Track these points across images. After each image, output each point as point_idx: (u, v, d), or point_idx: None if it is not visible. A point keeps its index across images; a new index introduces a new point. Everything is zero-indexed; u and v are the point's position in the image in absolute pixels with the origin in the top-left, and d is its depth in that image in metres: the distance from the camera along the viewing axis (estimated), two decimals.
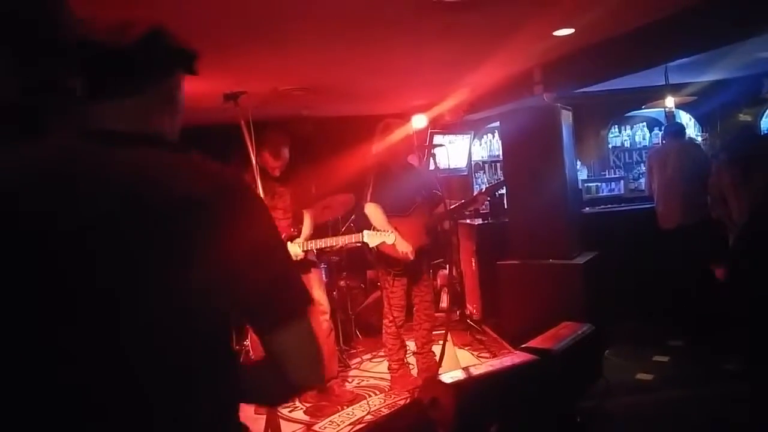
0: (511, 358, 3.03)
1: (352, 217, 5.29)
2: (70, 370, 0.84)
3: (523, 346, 3.14)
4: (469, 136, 7.15)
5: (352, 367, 4.68)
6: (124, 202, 0.87)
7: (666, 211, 4.82)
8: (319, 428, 3.61)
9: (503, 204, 5.44)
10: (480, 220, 5.90)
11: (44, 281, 0.83)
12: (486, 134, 7.55)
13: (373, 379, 4.38)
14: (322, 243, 3.89)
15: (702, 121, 6.89)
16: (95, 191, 0.87)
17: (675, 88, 5.89)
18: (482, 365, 3.16)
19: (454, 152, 6.86)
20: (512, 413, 2.74)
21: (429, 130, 6.23)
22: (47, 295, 0.83)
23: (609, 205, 6.21)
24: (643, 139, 7.34)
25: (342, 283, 5.37)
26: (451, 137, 6.83)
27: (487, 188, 5.42)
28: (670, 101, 5.82)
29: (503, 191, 5.18)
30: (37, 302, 0.83)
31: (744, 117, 6.26)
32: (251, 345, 3.99)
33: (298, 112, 6.29)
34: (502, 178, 5.49)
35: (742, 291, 3.82)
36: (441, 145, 5.37)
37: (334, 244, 4.02)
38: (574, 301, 4.12)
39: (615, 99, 6.76)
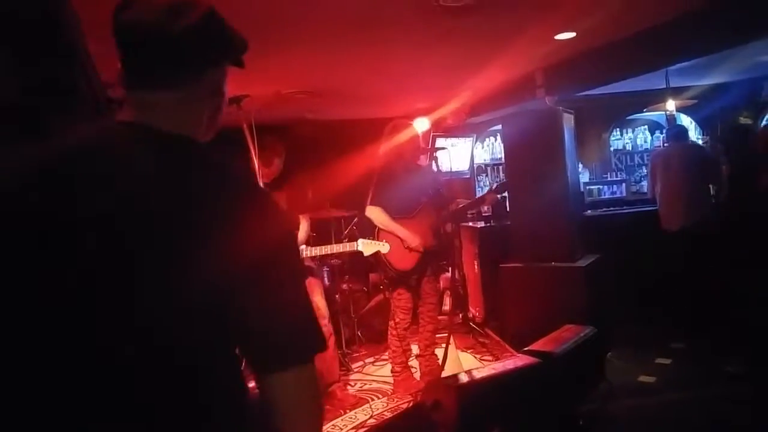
0: (514, 361, 3.03)
1: (355, 220, 5.31)
2: (68, 368, 0.81)
3: (525, 349, 3.14)
4: (471, 139, 7.16)
5: (355, 370, 4.68)
6: (124, 203, 0.83)
7: (669, 212, 4.84)
8: None
9: (505, 207, 5.45)
10: (482, 222, 5.90)
11: (44, 281, 0.81)
12: (488, 137, 7.56)
13: (375, 382, 4.38)
14: (318, 251, 3.91)
15: (702, 124, 6.90)
16: (96, 191, 0.84)
17: (676, 92, 5.91)
18: (485, 368, 3.17)
19: (457, 155, 6.87)
20: (514, 416, 2.74)
21: (431, 133, 6.25)
22: (48, 293, 0.81)
23: (611, 208, 6.22)
24: (645, 142, 7.35)
25: (344, 286, 5.38)
26: (454, 140, 6.84)
27: (496, 187, 5.42)
28: (671, 104, 5.84)
29: (506, 194, 5.18)
30: (37, 301, 0.81)
31: (744, 120, 6.28)
32: None
33: (301, 116, 6.31)
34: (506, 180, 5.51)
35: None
36: (443, 148, 5.38)
37: (331, 251, 4.03)
38: (577, 304, 4.13)
39: (616, 102, 6.78)
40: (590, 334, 3.34)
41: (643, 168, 7.28)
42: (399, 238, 3.88)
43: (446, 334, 4.07)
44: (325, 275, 5.24)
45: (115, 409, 0.82)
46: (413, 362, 4.27)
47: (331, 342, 3.96)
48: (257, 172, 3.30)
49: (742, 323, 3.94)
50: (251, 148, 3.20)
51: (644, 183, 7.07)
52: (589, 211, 5.92)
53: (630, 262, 4.84)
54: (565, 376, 2.96)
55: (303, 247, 3.82)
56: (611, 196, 6.67)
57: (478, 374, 2.93)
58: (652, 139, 7.33)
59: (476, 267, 5.62)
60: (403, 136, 3.98)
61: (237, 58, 1.03)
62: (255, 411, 0.88)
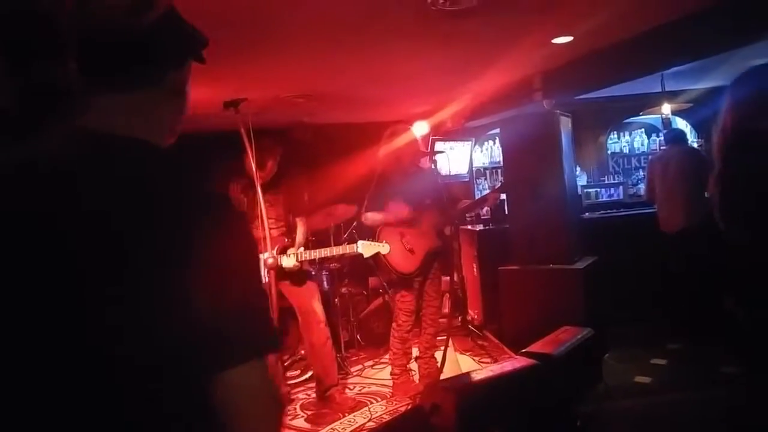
0: (512, 363, 3.05)
1: (354, 223, 5.32)
2: (52, 372, 0.79)
3: (523, 350, 3.16)
4: (470, 142, 7.19)
5: (354, 374, 4.69)
6: (73, 221, 0.80)
7: (668, 215, 4.86)
8: None
9: (504, 210, 5.47)
10: (481, 225, 5.92)
11: (34, 286, 0.79)
12: (487, 141, 7.59)
13: (374, 386, 4.39)
14: (317, 253, 3.90)
15: (698, 128, 6.94)
16: (46, 208, 0.80)
17: (671, 95, 5.94)
18: (483, 370, 3.18)
19: (456, 159, 6.89)
20: (513, 418, 2.76)
21: (430, 137, 6.27)
22: (37, 297, 0.79)
23: (608, 211, 6.24)
24: (642, 145, 7.38)
25: (344, 290, 5.39)
26: (452, 144, 6.86)
27: (499, 186, 5.43)
28: (666, 108, 5.87)
29: (504, 197, 5.21)
30: (30, 305, 0.79)
31: None
32: None
33: (299, 119, 6.33)
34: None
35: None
36: (442, 152, 5.41)
37: (330, 254, 4.02)
38: (574, 306, 4.15)
39: (613, 106, 6.82)
40: (588, 335, 3.36)
41: (640, 171, 7.30)
42: (400, 236, 3.88)
43: (445, 337, 4.09)
44: (324, 279, 5.25)
45: (90, 415, 0.80)
46: (412, 365, 4.27)
47: (329, 345, 3.96)
48: (254, 176, 3.29)
49: (738, 324, 3.96)
50: (248, 151, 3.19)
51: (641, 186, 7.09)
52: (586, 214, 5.94)
53: (627, 264, 4.86)
54: (563, 378, 2.98)
55: (301, 250, 3.81)
56: (609, 199, 6.70)
57: (476, 376, 2.95)
58: (648, 142, 7.36)
59: (475, 270, 5.63)
60: (401, 140, 3.99)
61: (198, 54, 1.00)
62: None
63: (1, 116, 0.96)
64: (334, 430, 3.66)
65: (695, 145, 6.67)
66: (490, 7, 3.26)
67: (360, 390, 4.33)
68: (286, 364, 4.47)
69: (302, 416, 3.90)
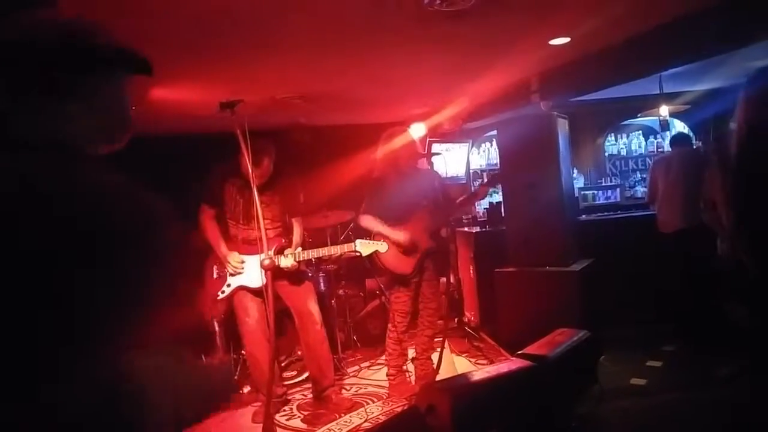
0: (508, 364, 3.05)
1: (351, 225, 5.32)
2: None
3: (519, 352, 3.16)
4: (467, 144, 7.19)
5: (350, 375, 4.69)
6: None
7: (667, 216, 4.87)
8: None
9: (500, 212, 5.48)
10: (477, 227, 5.93)
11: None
12: (484, 143, 7.59)
13: (371, 386, 4.39)
14: (315, 253, 3.89)
15: (696, 130, 6.95)
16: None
17: (669, 97, 5.94)
18: (479, 372, 3.18)
19: (453, 161, 6.90)
20: (508, 419, 2.76)
21: (427, 139, 6.28)
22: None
23: (605, 213, 6.24)
24: (639, 147, 7.38)
25: (340, 291, 5.39)
26: (450, 145, 6.87)
27: (488, 180, 5.43)
28: (664, 110, 5.87)
29: (500, 199, 5.21)
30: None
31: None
32: (247, 353, 3.98)
33: (295, 121, 6.33)
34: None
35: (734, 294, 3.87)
36: (439, 153, 5.41)
37: (328, 254, 4.01)
38: (570, 308, 4.15)
39: (611, 107, 6.83)
40: (583, 337, 3.36)
41: (638, 173, 7.31)
42: (386, 237, 3.89)
43: (441, 339, 4.10)
44: (321, 280, 5.25)
45: None
46: (409, 366, 4.28)
47: (326, 346, 3.96)
48: (252, 179, 3.27)
49: (733, 325, 3.97)
50: (245, 152, 3.18)
51: (638, 188, 7.10)
52: (583, 216, 5.95)
53: (623, 266, 4.87)
54: (558, 380, 2.98)
55: (299, 250, 3.81)
56: (606, 201, 6.70)
57: (472, 378, 2.95)
58: (646, 144, 7.37)
59: (471, 271, 5.64)
60: (399, 142, 4.00)
61: (139, 67, 1.04)
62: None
63: None
64: (330, 430, 3.66)
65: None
66: (486, 8, 3.27)
67: (356, 391, 4.33)
68: (283, 364, 4.46)
69: (299, 417, 3.91)
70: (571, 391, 3.25)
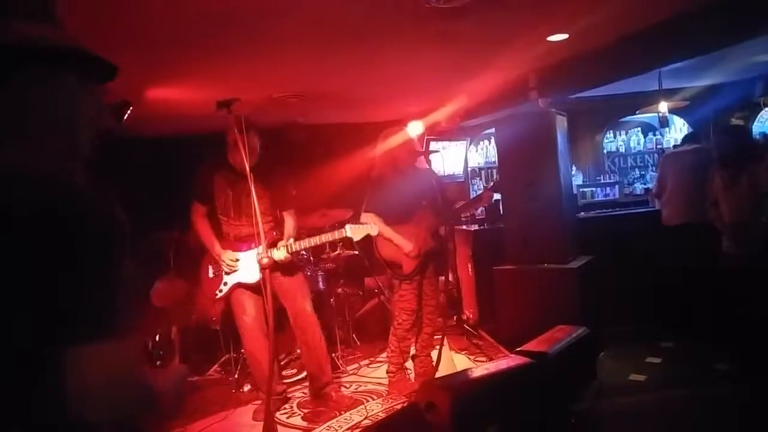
0: (507, 361, 3.04)
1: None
2: None
3: (518, 349, 3.15)
4: (465, 142, 7.19)
5: (350, 372, 4.69)
6: None
7: (673, 209, 4.88)
8: None
9: (499, 209, 5.47)
10: (476, 225, 5.92)
11: None
12: (482, 140, 7.59)
13: (371, 384, 4.39)
14: (307, 243, 3.81)
15: (695, 126, 6.95)
16: None
17: (668, 93, 5.94)
18: (478, 369, 3.18)
19: (451, 158, 6.90)
20: (508, 416, 2.75)
21: (425, 137, 6.28)
22: None
23: (604, 210, 6.24)
24: (638, 144, 7.38)
25: (339, 290, 5.39)
26: (447, 143, 6.86)
27: (492, 185, 5.43)
28: (663, 106, 5.87)
29: (499, 196, 5.21)
30: None
31: (736, 121, 6.32)
32: (246, 351, 3.97)
33: (293, 119, 6.32)
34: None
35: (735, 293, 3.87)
36: (436, 151, 5.41)
37: (319, 242, 3.89)
38: (569, 305, 4.15)
39: (609, 104, 6.82)
40: (582, 334, 3.35)
41: (636, 170, 7.32)
42: (395, 244, 3.90)
43: (440, 336, 4.09)
44: (320, 279, 5.25)
45: None
46: (408, 363, 4.28)
47: (323, 344, 3.94)
48: (250, 178, 3.22)
49: (732, 322, 3.97)
50: (242, 151, 3.14)
51: (637, 185, 7.11)
52: (582, 213, 5.95)
53: (622, 263, 4.87)
54: (558, 376, 2.97)
55: (291, 241, 3.74)
56: (604, 198, 6.70)
57: (471, 375, 2.94)
58: (645, 141, 7.37)
59: (470, 269, 5.63)
60: (397, 141, 4.00)
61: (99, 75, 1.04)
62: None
63: None
64: (330, 427, 3.66)
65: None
66: (484, 4, 3.27)
67: (356, 388, 4.33)
68: (282, 362, 4.47)
69: (299, 414, 3.90)
70: (571, 388, 3.25)
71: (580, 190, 6.68)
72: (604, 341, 4.29)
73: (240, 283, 3.77)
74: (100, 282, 0.87)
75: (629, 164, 7.37)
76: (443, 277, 5.60)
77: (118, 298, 0.88)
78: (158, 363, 4.49)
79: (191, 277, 4.42)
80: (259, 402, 3.96)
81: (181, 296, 4.72)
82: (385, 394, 4.11)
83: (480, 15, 3.46)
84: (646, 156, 7.30)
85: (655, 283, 4.77)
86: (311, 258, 5.32)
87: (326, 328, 4.76)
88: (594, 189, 6.82)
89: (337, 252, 5.32)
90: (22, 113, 0.96)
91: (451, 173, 6.95)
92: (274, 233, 3.79)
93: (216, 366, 4.83)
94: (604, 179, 7.10)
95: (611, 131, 7.41)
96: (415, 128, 5.78)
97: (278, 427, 3.49)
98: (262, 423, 3.29)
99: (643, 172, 7.26)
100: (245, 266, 3.74)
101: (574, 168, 6.63)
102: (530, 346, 3.16)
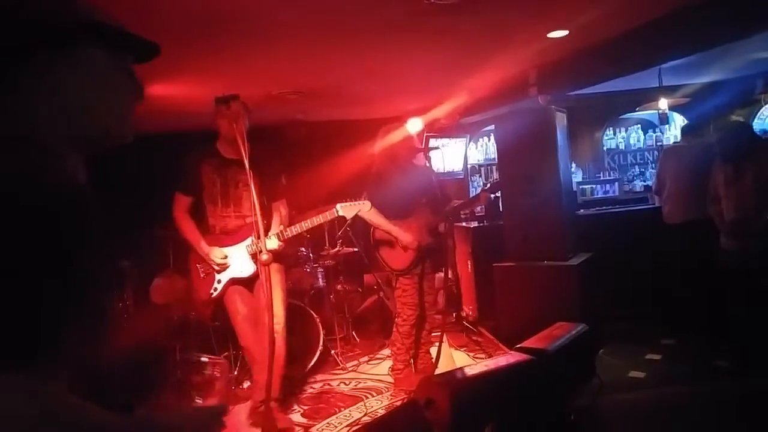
0: (506, 358, 3.04)
1: (348, 221, 5.30)
2: None
3: (517, 346, 3.15)
4: (464, 139, 7.18)
5: (349, 369, 4.69)
6: None
7: (674, 206, 4.85)
8: (317, 430, 3.61)
9: (498, 206, 5.47)
10: (475, 222, 5.92)
11: None
12: (482, 137, 7.58)
13: (370, 381, 4.39)
14: (298, 228, 3.57)
15: (696, 123, 6.94)
16: None
17: (668, 90, 5.93)
18: (477, 365, 3.18)
19: (450, 155, 6.89)
20: (507, 412, 2.75)
21: (425, 134, 6.27)
22: None
23: (604, 207, 6.24)
24: (638, 141, 7.37)
25: (339, 287, 5.39)
26: (447, 140, 6.86)
27: (490, 186, 5.43)
28: (663, 103, 5.86)
29: (499, 194, 5.20)
30: None
31: (737, 118, 6.31)
32: (243, 348, 3.90)
33: (292, 117, 6.32)
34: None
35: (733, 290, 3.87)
36: (436, 148, 5.40)
37: (311, 225, 3.63)
38: (569, 302, 4.14)
39: (609, 101, 6.81)
40: (582, 331, 3.36)
41: (636, 167, 7.31)
42: (393, 237, 3.89)
43: (439, 333, 4.09)
44: (320, 276, 5.25)
45: None
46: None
47: (284, 353, 3.58)
48: (249, 176, 3.03)
49: (732, 319, 3.97)
50: (242, 149, 3.03)
51: (637, 182, 7.10)
52: (582, 210, 5.94)
53: (622, 260, 4.86)
54: (557, 373, 2.97)
55: (281, 227, 3.55)
56: (604, 195, 6.69)
57: (470, 371, 2.94)
58: (645, 138, 7.35)
59: (470, 266, 5.63)
60: (396, 137, 3.99)
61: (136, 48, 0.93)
62: None
63: None
64: (330, 424, 3.66)
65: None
66: (483, 0, 3.26)
67: (356, 385, 4.33)
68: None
69: (299, 411, 3.90)
70: (570, 385, 3.25)
71: (580, 187, 6.67)
72: (603, 338, 4.29)
73: (234, 279, 3.57)
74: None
75: (629, 161, 7.37)
76: (442, 274, 5.62)
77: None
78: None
79: (183, 276, 4.35)
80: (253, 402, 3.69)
81: (181, 293, 4.70)
82: (385, 391, 4.12)
83: (479, 11, 3.45)
84: (646, 153, 7.29)
85: (655, 281, 4.77)
86: (311, 254, 5.32)
87: (326, 325, 4.77)
88: (594, 186, 6.81)
89: (336, 249, 5.31)
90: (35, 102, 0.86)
91: (451, 170, 6.94)
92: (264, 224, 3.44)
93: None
94: (603, 176, 7.09)
95: (611, 128, 7.40)
96: (414, 125, 5.77)
97: (278, 424, 3.48)
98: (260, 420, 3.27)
99: (643, 169, 7.25)
100: (236, 260, 3.54)
101: (573, 165, 6.63)
102: (530, 343, 3.16)
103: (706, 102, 6.50)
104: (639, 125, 7.37)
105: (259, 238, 3.18)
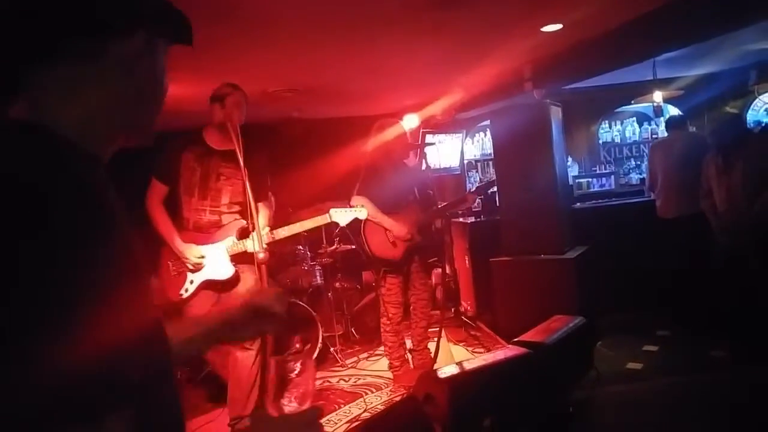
0: (504, 351, 3.05)
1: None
2: None
3: (515, 339, 3.17)
4: (460, 135, 7.18)
5: (349, 366, 4.70)
6: None
7: (667, 200, 4.85)
8: None
9: (495, 201, 5.48)
10: (473, 218, 5.93)
11: None
12: (478, 133, 7.59)
13: (369, 377, 4.40)
14: (287, 231, 3.33)
15: (689, 115, 6.96)
16: None
17: (663, 83, 5.94)
18: (476, 360, 3.19)
19: (447, 151, 6.89)
20: (505, 406, 2.76)
21: (421, 130, 6.27)
22: None
23: (600, 200, 6.25)
24: (633, 134, 7.38)
25: (337, 284, 5.40)
26: (443, 136, 6.86)
27: (477, 188, 5.45)
28: (658, 96, 5.87)
29: (495, 189, 5.22)
30: None
31: (731, 109, 6.32)
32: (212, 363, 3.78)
33: (288, 114, 6.31)
34: (494, 177, 5.54)
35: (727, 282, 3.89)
36: (432, 144, 5.41)
37: (300, 230, 3.44)
38: (566, 295, 4.17)
39: (604, 95, 6.82)
40: (579, 323, 3.37)
41: (632, 160, 7.31)
42: (385, 228, 3.90)
43: (438, 328, 4.11)
44: (318, 274, 5.25)
45: None
46: (407, 355, 4.29)
47: (255, 369, 3.29)
48: (244, 174, 2.89)
49: (729, 310, 3.99)
50: (237, 147, 2.98)
51: (633, 175, 7.11)
52: (578, 204, 5.95)
53: (618, 252, 4.88)
54: (555, 365, 2.99)
55: (266, 230, 3.23)
56: (600, 189, 6.70)
57: (469, 366, 2.95)
58: (640, 131, 7.36)
59: (467, 261, 5.64)
60: (390, 134, 4.00)
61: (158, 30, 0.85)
62: None
63: None
64: (329, 420, 3.67)
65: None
66: None
67: (355, 382, 4.34)
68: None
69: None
70: (568, 377, 3.26)
71: (576, 180, 6.68)
72: (600, 330, 4.31)
73: (208, 281, 3.25)
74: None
75: (625, 154, 7.37)
76: (440, 270, 5.63)
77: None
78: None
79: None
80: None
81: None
82: (384, 387, 4.13)
83: (473, 5, 3.45)
84: (642, 146, 7.29)
85: (651, 272, 4.78)
86: (308, 252, 5.32)
87: (324, 323, 4.77)
88: (590, 179, 6.82)
89: (334, 246, 5.32)
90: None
91: (448, 166, 6.94)
92: (245, 222, 3.25)
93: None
94: (599, 170, 7.10)
95: (606, 121, 7.40)
96: (409, 121, 5.78)
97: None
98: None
99: (639, 162, 7.26)
100: (212, 261, 3.23)
101: (569, 159, 6.63)
102: (527, 336, 3.17)
103: (700, 94, 6.51)
104: (634, 118, 7.37)
105: (238, 235, 3.14)
